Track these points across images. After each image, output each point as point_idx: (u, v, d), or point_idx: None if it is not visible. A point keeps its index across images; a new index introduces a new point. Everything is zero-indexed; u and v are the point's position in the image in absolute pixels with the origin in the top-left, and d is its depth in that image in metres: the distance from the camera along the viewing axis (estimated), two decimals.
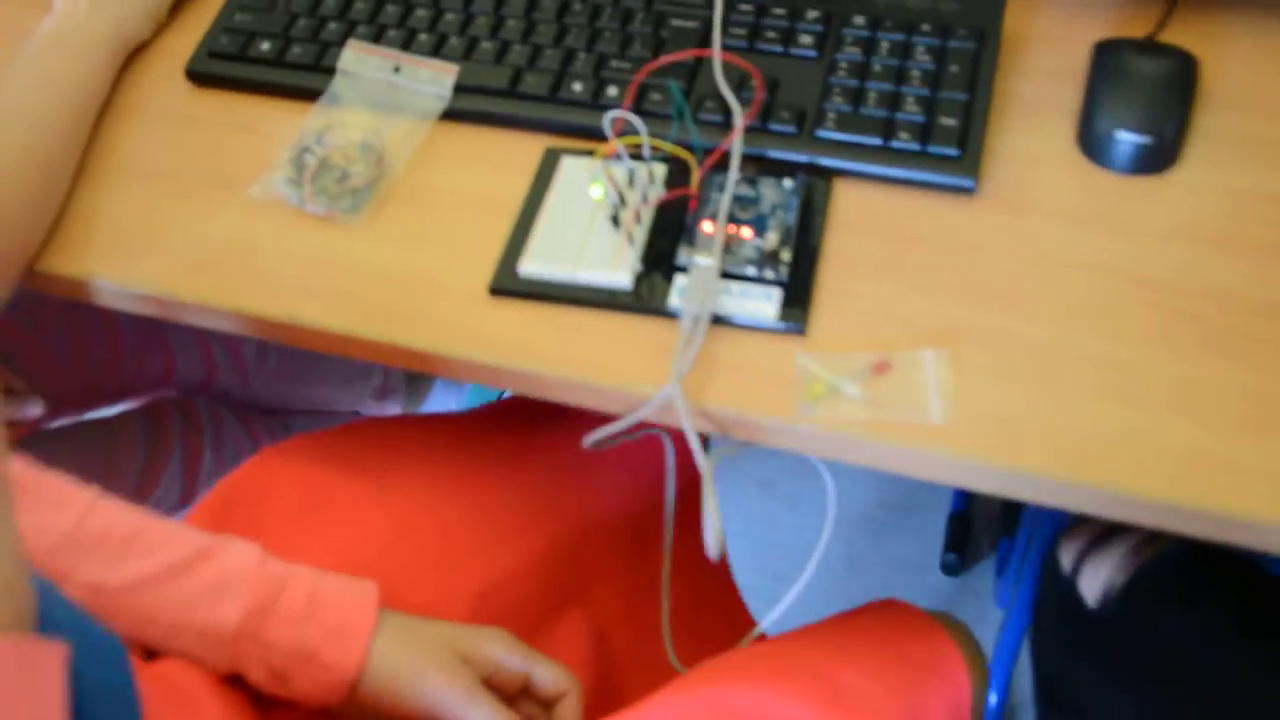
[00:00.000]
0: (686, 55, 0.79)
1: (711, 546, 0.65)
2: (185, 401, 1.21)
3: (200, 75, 0.86)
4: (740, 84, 0.78)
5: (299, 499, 0.77)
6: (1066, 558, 0.87)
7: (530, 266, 0.72)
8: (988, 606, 1.43)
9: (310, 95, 0.83)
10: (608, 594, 0.85)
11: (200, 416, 1.20)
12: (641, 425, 0.69)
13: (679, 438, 0.83)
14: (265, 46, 0.85)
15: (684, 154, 0.74)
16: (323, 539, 0.74)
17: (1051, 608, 0.90)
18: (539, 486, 0.83)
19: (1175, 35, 0.81)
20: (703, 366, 0.68)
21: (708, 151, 0.75)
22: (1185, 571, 0.80)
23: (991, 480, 0.65)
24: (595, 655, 0.81)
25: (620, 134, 0.74)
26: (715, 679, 0.68)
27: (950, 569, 1.46)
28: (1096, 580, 0.83)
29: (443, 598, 0.74)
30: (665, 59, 0.78)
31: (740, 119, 0.75)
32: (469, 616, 0.74)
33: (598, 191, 0.71)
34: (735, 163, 0.73)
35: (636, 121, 0.73)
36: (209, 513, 0.77)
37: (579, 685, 0.72)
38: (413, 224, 0.76)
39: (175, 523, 0.67)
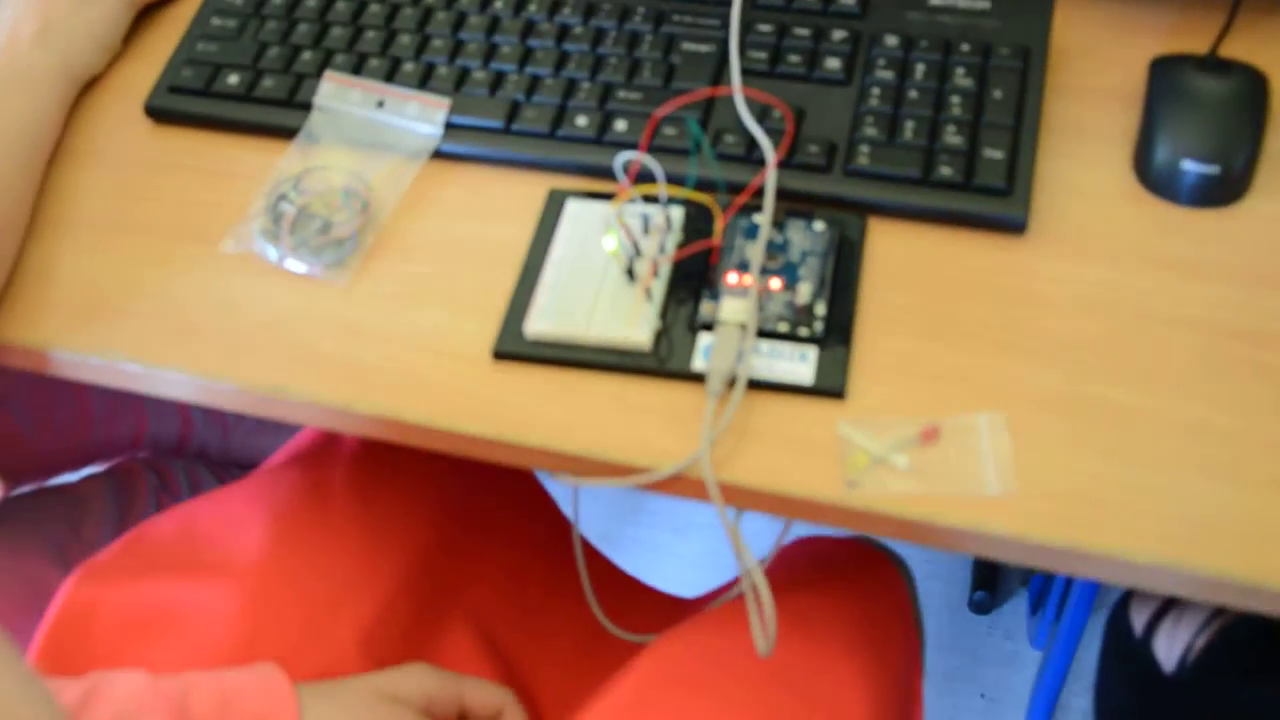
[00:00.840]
0: (703, 95, 0.71)
1: (761, 645, 0.57)
2: (159, 462, 1.12)
3: (161, 112, 0.78)
4: (763, 113, 0.71)
5: (130, 618, 0.70)
6: (1139, 619, 0.80)
7: (537, 326, 0.64)
8: (1021, 647, 1.36)
9: (285, 133, 0.76)
10: (478, 588, 0.81)
11: (176, 479, 1.11)
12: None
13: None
14: (233, 80, 0.77)
15: (707, 200, 0.66)
16: (172, 652, 0.67)
17: (1121, 672, 0.83)
18: (382, 510, 0.78)
19: (1238, 48, 0.73)
20: (732, 437, 0.61)
21: (730, 190, 0.68)
22: (1270, 638, 0.73)
23: (1060, 561, 0.57)
24: (490, 651, 0.77)
25: (634, 177, 0.67)
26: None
27: (979, 607, 1.39)
28: (1174, 645, 0.76)
29: (328, 659, 0.69)
30: (682, 99, 0.70)
31: (771, 158, 0.67)
32: (361, 666, 0.69)
33: (611, 242, 0.64)
34: (769, 209, 0.65)
35: (651, 163, 0.66)
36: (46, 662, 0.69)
37: (511, 694, 0.70)
38: (404, 279, 0.69)
39: (38, 683, 0.57)
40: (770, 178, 0.66)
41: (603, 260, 0.66)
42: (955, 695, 1.37)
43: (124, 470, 1.08)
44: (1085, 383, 0.61)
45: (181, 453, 1.18)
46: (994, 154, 0.68)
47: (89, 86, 0.81)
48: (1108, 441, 0.59)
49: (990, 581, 1.38)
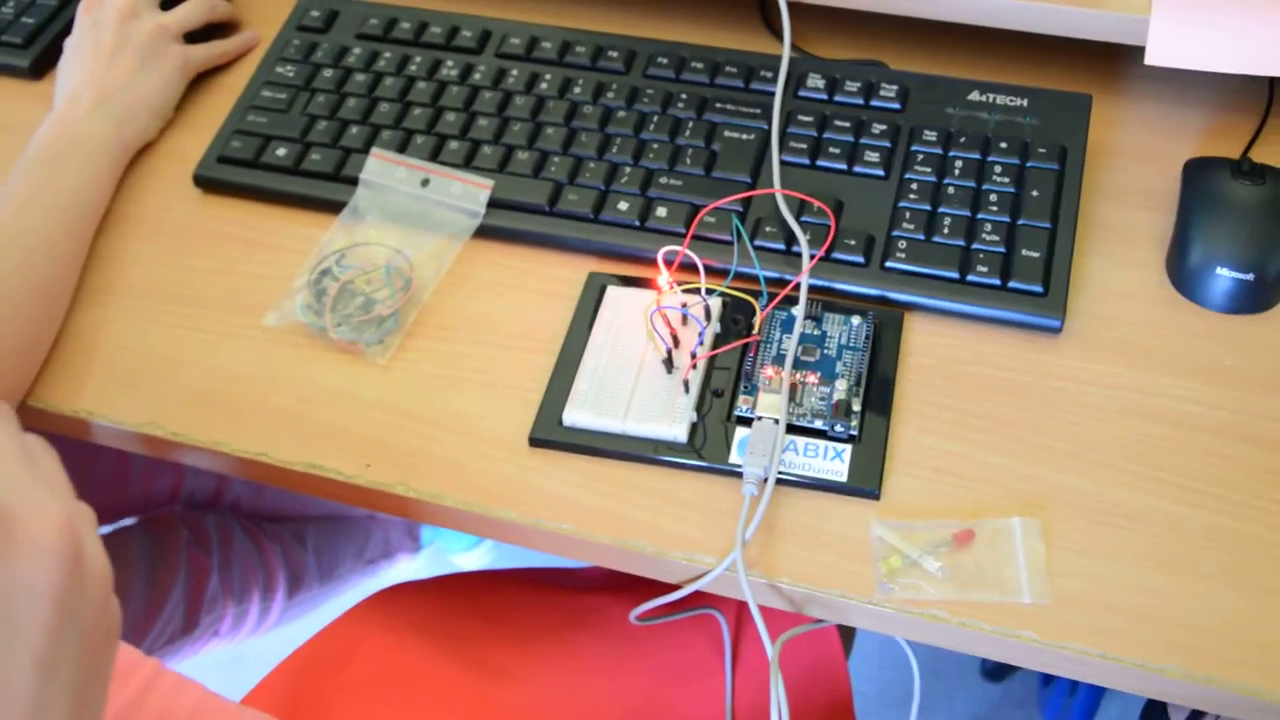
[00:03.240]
0: (743, 196, 0.72)
1: None
2: (191, 517, 1.13)
3: (209, 182, 0.79)
4: (802, 207, 0.72)
5: (387, 673, 0.71)
6: (1178, 713, 0.80)
7: (575, 416, 0.65)
8: (1032, 716, 1.36)
9: (331, 207, 0.77)
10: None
11: (208, 533, 1.12)
12: (696, 600, 0.62)
13: (734, 615, 0.77)
14: (281, 152, 0.79)
15: (748, 297, 0.67)
16: None
17: None
18: (637, 685, 0.76)
19: (1271, 152, 0.74)
20: (765, 532, 0.61)
21: (769, 282, 0.69)
22: None
23: (1097, 673, 0.58)
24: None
25: (666, 264, 0.68)
26: None
27: (992, 675, 1.38)
28: None
29: None
30: (726, 200, 0.71)
31: (808, 256, 0.68)
32: None
33: (649, 334, 0.64)
34: (803, 305, 0.66)
35: (694, 256, 0.67)
36: (291, 675, 0.70)
37: None
38: (444, 360, 0.70)
39: (238, 706, 0.60)
40: (805, 276, 0.67)
41: (641, 349, 0.67)
42: None
43: (157, 523, 1.09)
44: (1119, 489, 0.61)
45: (215, 506, 1.19)
46: (1030, 254, 0.69)
47: (141, 154, 0.82)
48: (1140, 550, 0.59)
49: None
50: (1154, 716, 0.83)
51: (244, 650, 1.23)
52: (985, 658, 1.38)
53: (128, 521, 1.09)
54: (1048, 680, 1.32)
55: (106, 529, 1.07)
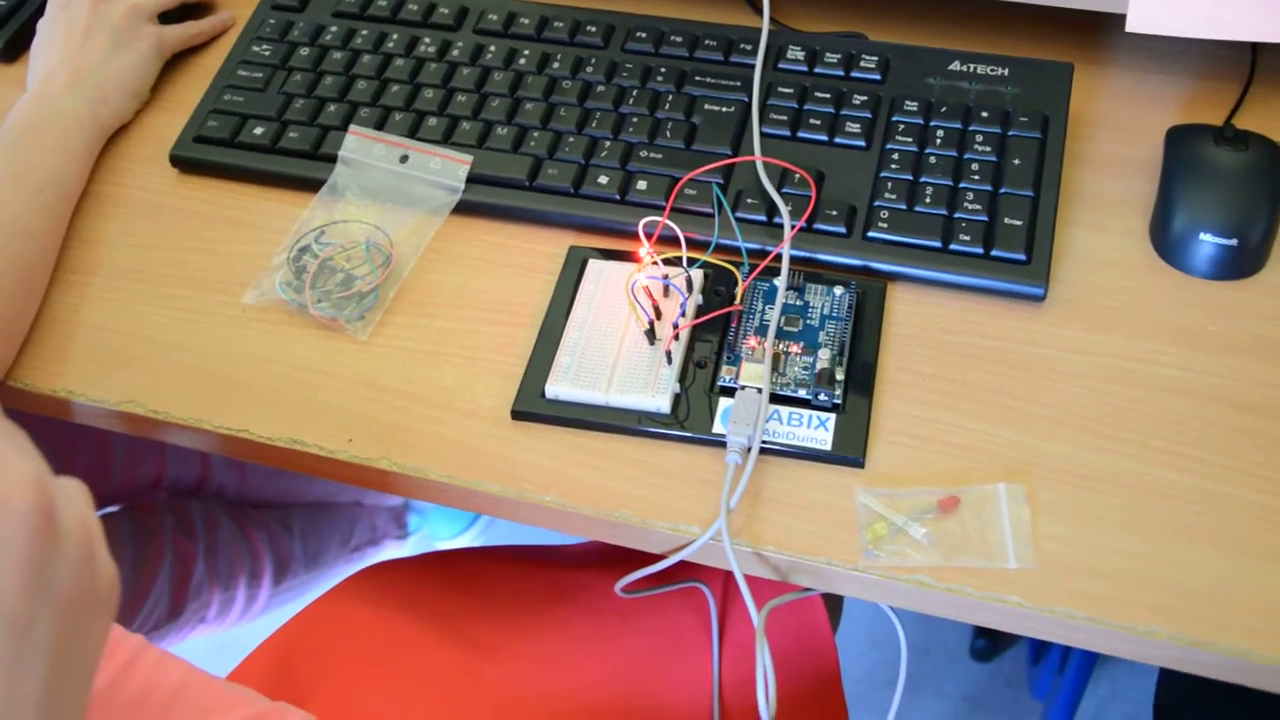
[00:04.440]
0: (724, 163, 0.71)
1: (764, 711, 0.57)
2: (177, 503, 1.12)
3: (186, 162, 0.79)
4: (783, 175, 0.71)
5: (371, 650, 0.71)
6: None
7: (557, 388, 0.64)
8: (1021, 695, 1.36)
9: (309, 185, 0.76)
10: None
11: (193, 520, 1.11)
12: (682, 573, 0.62)
13: (721, 586, 0.77)
14: (258, 131, 0.78)
15: (730, 266, 0.67)
16: (395, 700, 0.67)
17: None
18: (624, 659, 0.76)
19: (1253, 119, 0.74)
20: (750, 501, 0.61)
21: (750, 254, 0.68)
22: None
23: (1084, 636, 0.57)
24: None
25: (649, 237, 0.67)
26: None
27: (981, 655, 1.38)
28: None
29: None
30: (709, 166, 0.71)
31: (789, 226, 0.67)
32: None
33: (631, 306, 0.64)
34: (785, 276, 0.66)
35: (675, 227, 0.66)
36: (277, 651, 0.70)
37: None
38: (424, 335, 0.69)
39: (223, 681, 0.59)
40: (787, 245, 0.66)
41: (623, 321, 0.67)
42: None
43: (142, 511, 1.08)
44: (1103, 454, 0.61)
45: (200, 493, 1.18)
46: (1013, 223, 0.68)
47: (116, 135, 0.81)
48: (1125, 514, 0.59)
49: (992, 629, 1.38)
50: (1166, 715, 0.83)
51: (229, 638, 1.22)
52: (974, 636, 1.38)
53: (112, 510, 1.08)
54: (1036, 658, 1.32)
55: None
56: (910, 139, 0.72)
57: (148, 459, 1.09)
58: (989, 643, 1.37)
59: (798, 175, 0.71)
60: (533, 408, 0.65)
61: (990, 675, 1.39)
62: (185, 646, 1.13)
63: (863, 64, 0.76)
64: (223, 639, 1.21)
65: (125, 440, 1.05)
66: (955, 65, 0.76)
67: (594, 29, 0.80)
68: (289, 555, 1.20)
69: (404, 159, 0.76)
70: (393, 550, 1.39)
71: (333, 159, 0.76)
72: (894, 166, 0.71)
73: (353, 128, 0.77)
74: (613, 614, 0.78)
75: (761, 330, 0.66)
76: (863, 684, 1.40)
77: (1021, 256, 0.67)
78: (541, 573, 0.82)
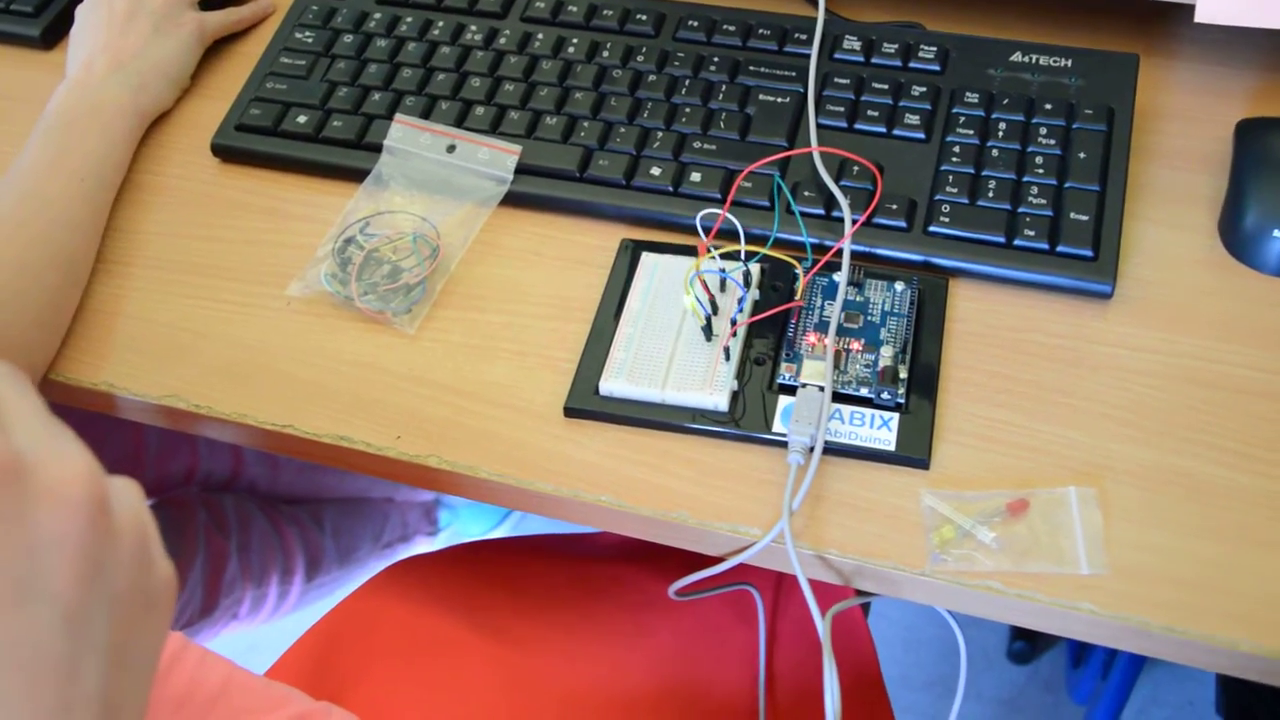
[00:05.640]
0: (782, 156, 0.70)
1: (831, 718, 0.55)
2: (209, 498, 1.11)
3: (228, 151, 0.77)
4: (841, 169, 0.70)
5: (407, 645, 0.69)
6: None
7: (612, 385, 0.63)
8: (1060, 699, 1.34)
9: (353, 175, 0.75)
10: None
11: (226, 515, 1.10)
12: (731, 574, 0.60)
13: (769, 590, 0.75)
14: (301, 119, 0.77)
15: (790, 259, 0.65)
16: (433, 695, 0.66)
17: None
18: (664, 655, 0.74)
19: None
20: (811, 503, 0.59)
21: (803, 249, 0.66)
22: None
23: (1160, 646, 0.56)
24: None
25: (701, 230, 0.65)
26: None
27: (1019, 657, 1.36)
28: None
29: None
30: (769, 159, 0.69)
31: (850, 220, 0.66)
32: None
33: (689, 300, 0.62)
34: (845, 271, 0.64)
35: (735, 220, 0.64)
36: (314, 647, 0.69)
37: None
38: (473, 329, 0.68)
39: (265, 680, 0.58)
40: (848, 240, 0.65)
41: (679, 316, 0.65)
42: None
43: (175, 505, 1.07)
44: (1176, 457, 0.59)
45: (232, 488, 1.17)
46: (1079, 218, 0.66)
47: (157, 123, 0.80)
48: (1201, 519, 0.57)
49: (1030, 631, 1.36)
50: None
51: (258, 637, 1.21)
52: (1012, 638, 1.36)
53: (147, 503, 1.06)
54: (1076, 662, 1.30)
55: None
56: (971, 131, 0.70)
57: (180, 452, 1.08)
58: (1027, 644, 1.35)
59: (855, 168, 0.69)
60: (587, 405, 0.63)
61: (1028, 678, 1.37)
62: (216, 644, 1.11)
63: (921, 54, 0.74)
64: (251, 639, 1.19)
65: (158, 433, 1.04)
66: (1017, 56, 0.74)
67: (644, 17, 0.78)
68: (321, 551, 1.19)
69: (451, 149, 0.74)
70: (423, 547, 1.38)
71: (378, 148, 0.75)
72: (955, 159, 0.69)
73: (398, 116, 0.75)
74: (648, 609, 0.76)
75: (821, 327, 0.64)
76: (899, 684, 1.38)
77: (1088, 252, 0.65)
78: (571, 565, 0.80)
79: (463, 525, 1.42)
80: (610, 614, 0.75)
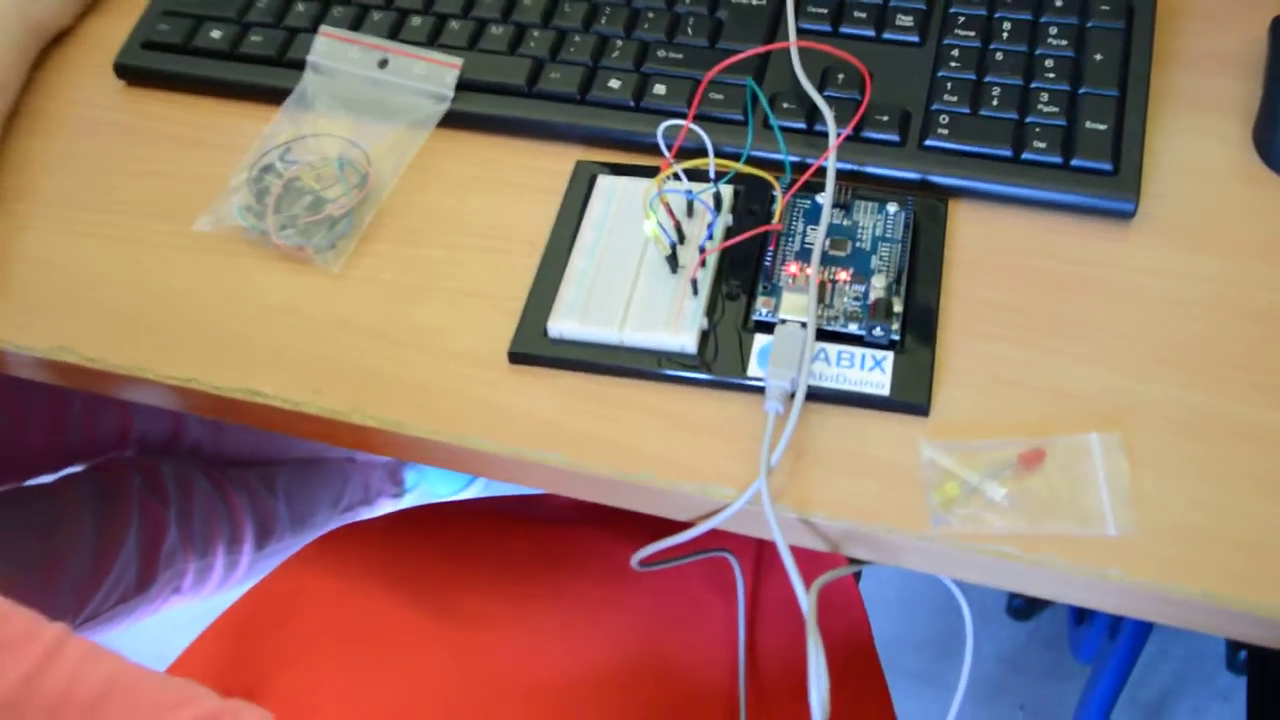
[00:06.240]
0: (755, 52, 0.61)
1: (816, 709, 0.47)
2: (146, 463, 1.02)
3: (133, 71, 0.68)
4: (824, 78, 0.61)
5: (338, 626, 0.61)
6: None
7: (562, 326, 0.54)
8: (1063, 657, 1.26)
9: (274, 96, 0.66)
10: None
11: (164, 481, 1.01)
12: (705, 539, 0.52)
13: (750, 557, 0.67)
14: (215, 34, 0.68)
15: (767, 176, 0.56)
16: (370, 684, 0.58)
17: None
18: (634, 630, 0.66)
19: None
20: (793, 458, 0.51)
21: (790, 168, 0.58)
22: None
23: (1200, 616, 0.48)
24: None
25: (677, 149, 0.57)
26: None
27: (1019, 614, 1.29)
28: None
29: None
30: (736, 58, 0.60)
31: (834, 133, 0.57)
32: None
33: (650, 226, 0.54)
34: (830, 190, 0.55)
35: (702, 133, 0.56)
36: (227, 634, 0.60)
37: None
38: (406, 267, 0.59)
39: (163, 677, 0.49)
40: (833, 154, 0.56)
41: (640, 246, 0.57)
42: (993, 706, 1.28)
43: (106, 470, 0.98)
44: (1214, 397, 0.51)
45: (173, 451, 1.08)
46: (1096, 127, 0.58)
47: (55, 43, 0.71)
48: (1245, 469, 0.49)
49: None
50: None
51: (215, 606, 1.12)
52: (1011, 593, 1.29)
53: (74, 470, 0.98)
54: (1080, 618, 1.22)
55: (50, 477, 0.96)
56: (972, 32, 0.62)
57: (111, 411, 1.00)
58: (1028, 600, 1.27)
59: (841, 74, 0.60)
60: (534, 349, 0.55)
61: (1029, 636, 1.29)
62: (160, 619, 1.03)
63: None
64: (206, 608, 1.11)
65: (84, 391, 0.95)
66: None
67: None
68: (272, 517, 1.10)
69: (383, 63, 0.65)
70: (388, 508, 1.30)
71: (301, 65, 0.66)
72: (954, 64, 0.61)
73: (323, 28, 0.66)
74: (616, 578, 0.68)
75: (804, 255, 0.56)
76: (894, 645, 1.31)
77: (1107, 166, 0.57)
78: (533, 530, 0.72)
79: (431, 485, 1.34)
80: (573, 584, 0.67)
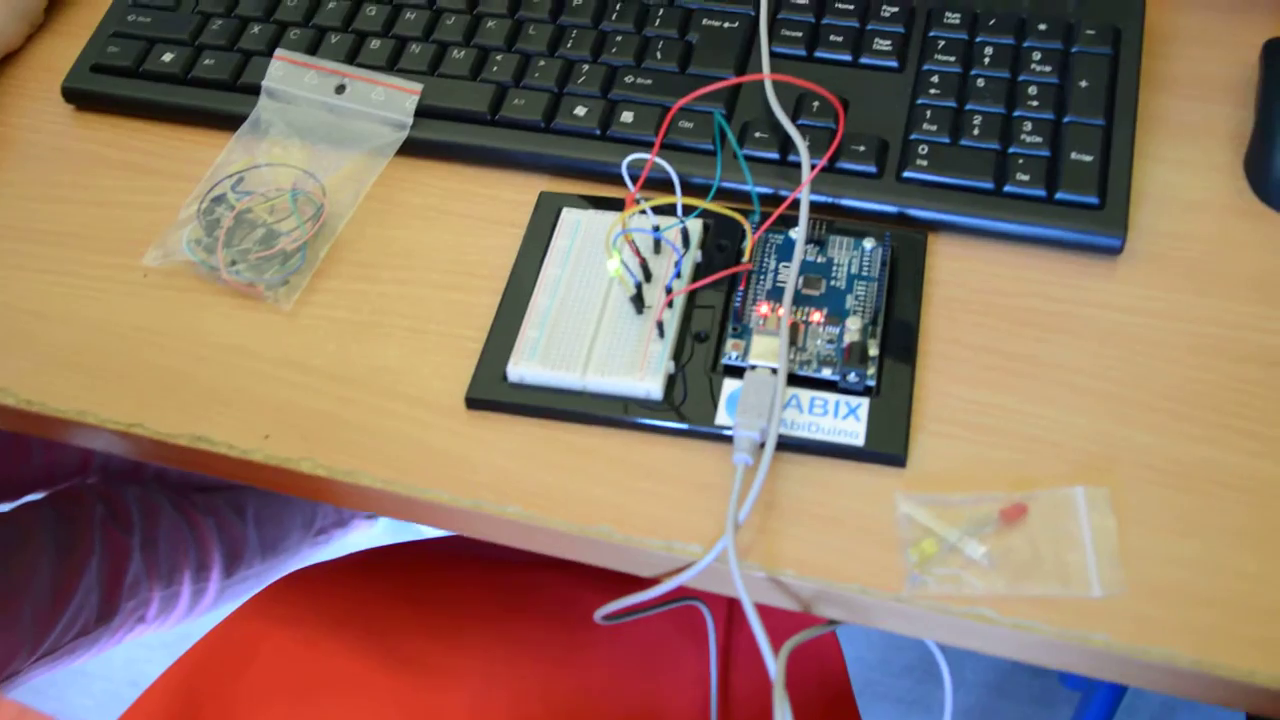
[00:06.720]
0: (727, 84, 0.58)
1: None
2: (108, 490, 0.99)
3: (82, 95, 0.66)
4: (798, 106, 0.58)
5: (290, 680, 0.58)
6: None
7: (522, 370, 0.52)
8: (1050, 684, 1.24)
9: (228, 122, 0.63)
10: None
11: (127, 507, 0.98)
12: (675, 591, 0.50)
13: (722, 604, 0.64)
14: (167, 57, 0.65)
15: (737, 215, 0.54)
16: None
17: None
18: (599, 680, 0.63)
19: None
20: (763, 512, 0.49)
21: (762, 201, 0.55)
22: None
23: (1192, 685, 0.45)
24: None
25: (643, 182, 0.54)
26: None
27: None
28: None
29: None
30: (708, 89, 0.57)
31: (808, 164, 0.54)
32: None
33: (614, 264, 0.51)
34: (804, 226, 0.53)
35: (667, 166, 0.53)
36: (174, 689, 0.58)
37: None
38: (362, 304, 0.57)
39: None
40: (806, 188, 0.54)
41: (605, 284, 0.54)
42: None
43: (67, 498, 0.96)
44: (1205, 445, 0.49)
45: (137, 477, 1.06)
46: (1081, 158, 0.56)
47: (2, 65, 0.68)
48: (1237, 522, 0.47)
49: None
50: None
51: (188, 633, 1.10)
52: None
53: (34, 498, 0.95)
54: None
55: (8, 505, 0.93)
56: (953, 58, 0.59)
57: None
58: None
59: (816, 103, 0.58)
60: (492, 394, 0.52)
61: (1014, 662, 1.27)
62: (126, 649, 1.01)
63: None
64: (175, 634, 1.09)
65: None
66: None
67: None
68: (241, 543, 1.07)
69: (340, 89, 0.62)
70: (362, 533, 1.27)
71: (257, 90, 0.63)
72: (933, 92, 0.58)
73: (279, 52, 0.64)
74: (580, 624, 0.65)
75: (776, 294, 0.53)
76: (877, 669, 1.28)
77: (1093, 199, 0.54)
78: (493, 574, 0.69)
79: None
80: (535, 631, 0.65)
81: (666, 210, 0.54)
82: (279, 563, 1.13)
